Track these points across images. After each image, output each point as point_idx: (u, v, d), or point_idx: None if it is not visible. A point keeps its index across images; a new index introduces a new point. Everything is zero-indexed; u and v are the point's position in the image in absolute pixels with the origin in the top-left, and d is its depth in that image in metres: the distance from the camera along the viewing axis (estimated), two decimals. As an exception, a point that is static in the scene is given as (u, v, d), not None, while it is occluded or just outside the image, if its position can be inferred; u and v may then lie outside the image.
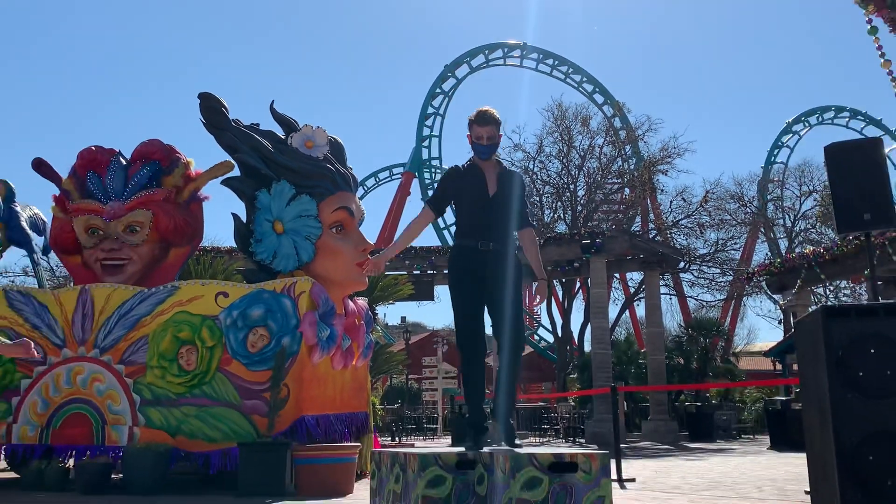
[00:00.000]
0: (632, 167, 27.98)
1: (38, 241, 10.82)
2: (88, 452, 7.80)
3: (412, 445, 14.00)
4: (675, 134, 36.23)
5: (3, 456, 8.17)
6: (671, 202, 26.69)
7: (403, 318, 45.36)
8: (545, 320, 31.82)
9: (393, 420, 22.20)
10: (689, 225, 26.14)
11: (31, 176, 9.88)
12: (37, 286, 10.51)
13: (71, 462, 8.02)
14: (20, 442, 8.06)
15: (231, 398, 7.73)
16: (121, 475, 7.71)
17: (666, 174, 26.37)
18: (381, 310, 15.71)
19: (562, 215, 26.59)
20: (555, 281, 25.39)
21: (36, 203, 11.07)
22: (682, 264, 25.08)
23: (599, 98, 33.51)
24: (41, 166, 9.43)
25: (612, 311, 25.14)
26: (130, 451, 7.55)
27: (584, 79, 34.67)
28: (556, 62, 35.24)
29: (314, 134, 8.80)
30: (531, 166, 26.67)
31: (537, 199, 26.84)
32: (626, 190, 27.57)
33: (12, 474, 8.68)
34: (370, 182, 41.09)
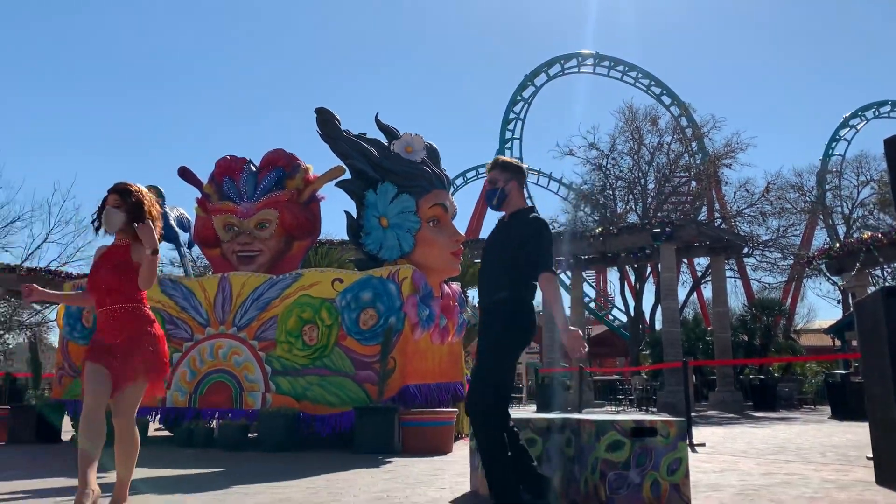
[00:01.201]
0: (698, 162, 27.12)
1: (184, 237, 11.32)
2: (229, 415, 8.13)
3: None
4: (737, 130, 34.98)
5: (159, 418, 8.57)
6: (735, 193, 25.79)
7: (490, 300, 45.21)
8: (619, 301, 31.27)
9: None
10: (752, 213, 25.21)
11: (176, 182, 10.34)
12: (184, 275, 11.02)
13: (214, 423, 8.36)
14: (173, 406, 8.48)
15: (347, 369, 7.93)
16: (256, 434, 7.99)
17: (730, 167, 25.47)
18: (470, 293, 15.76)
19: (633, 207, 26.06)
20: (627, 266, 24.95)
21: (181, 204, 11.61)
22: (745, 250, 24.26)
23: (667, 99, 32.53)
24: (185, 174, 9.85)
25: (681, 293, 24.51)
26: (264, 414, 7.85)
27: (652, 82, 33.73)
28: (626, 68, 34.42)
29: (413, 140, 8.90)
30: (605, 163, 26.22)
31: (611, 192, 26.41)
32: (693, 182, 26.72)
33: (166, 433, 9.12)
34: (458, 181, 41.15)
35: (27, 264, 23.08)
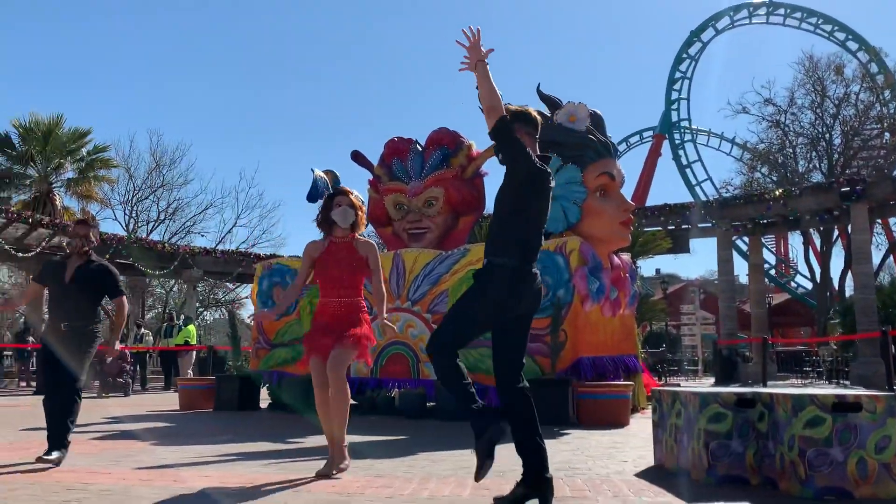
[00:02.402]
0: (892, 111, 24.46)
1: (358, 217, 11.92)
2: (407, 384, 8.51)
3: (678, 385, 13.59)
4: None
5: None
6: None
7: (658, 270, 43.73)
8: (802, 267, 29.05)
9: (655, 362, 21.66)
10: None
11: (350, 165, 10.86)
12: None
13: (395, 392, 8.78)
14: (356, 376, 8.98)
15: (518, 342, 8.00)
16: (433, 403, 8.31)
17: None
18: (640, 263, 15.31)
19: (817, 165, 24.10)
20: (811, 230, 23.12)
21: (355, 187, 12.18)
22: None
23: (853, 45, 29.49)
24: (358, 157, 10.33)
25: (875, 257, 22.36)
26: (439, 385, 8.13)
27: (836, 28, 30.64)
28: (805, 14, 31.50)
29: (576, 109, 8.74)
30: (783, 119, 24.36)
31: (790, 150, 24.52)
32: (887, 135, 24.17)
33: (350, 401, 9.70)
34: (622, 147, 39.91)
35: (220, 247, 25.37)
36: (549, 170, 3.52)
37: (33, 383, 15.77)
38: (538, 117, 3.64)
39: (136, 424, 7.17)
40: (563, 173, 8.48)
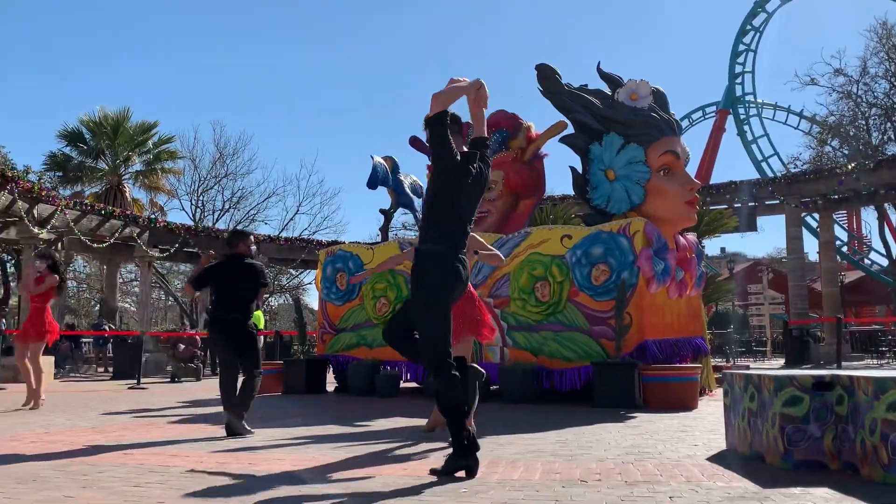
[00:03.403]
0: (976, 76, 23.16)
1: (417, 202, 11.99)
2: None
3: (747, 367, 13.27)
4: None
5: (409, 374, 9.25)
6: None
7: (723, 249, 42.65)
8: (877, 244, 27.88)
9: (722, 343, 21.20)
10: None
11: (408, 151, 10.93)
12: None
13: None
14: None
15: (581, 324, 7.96)
16: (496, 387, 8.33)
17: None
18: (706, 243, 14.95)
19: (892, 136, 22.98)
20: (886, 204, 22.15)
21: (413, 172, 12.27)
22: None
23: (931, 8, 28.00)
24: (416, 142, 10.37)
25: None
26: (503, 368, 8.16)
27: (912, -10, 29.13)
28: (878, -22, 30.06)
29: (637, 87, 8.55)
30: (855, 90, 23.33)
31: (863, 122, 23.48)
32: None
33: (413, 385, 9.81)
34: (684, 124, 38.93)
35: (283, 234, 25.86)
36: (471, 161, 3.70)
37: (110, 368, 16.46)
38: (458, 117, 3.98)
39: (210, 409, 7.41)
40: (625, 153, 8.34)
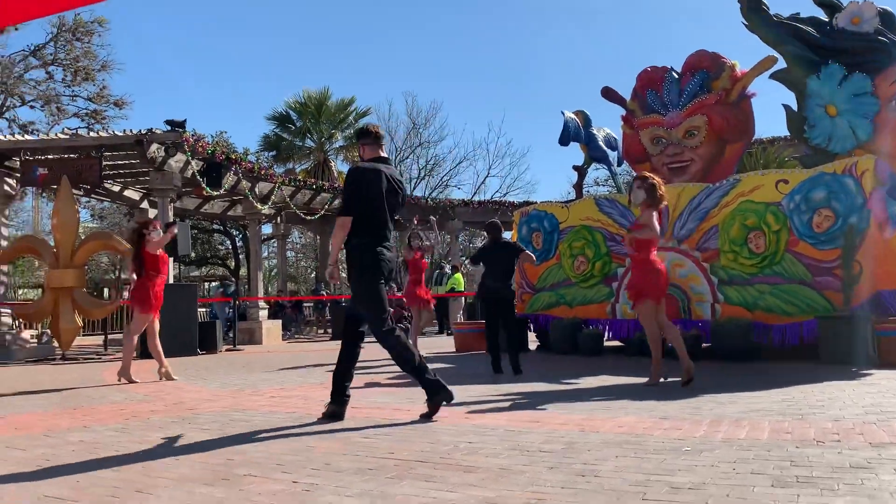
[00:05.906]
0: None
1: (612, 155, 11.67)
2: (680, 326, 8.23)
3: None
4: None
5: (611, 332, 9.10)
6: None
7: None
8: None
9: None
10: None
11: (600, 103, 10.63)
12: (616, 193, 11.37)
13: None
14: (622, 318, 8.92)
15: (802, 276, 7.36)
16: (708, 344, 7.97)
17: None
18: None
19: None
20: None
21: (606, 124, 11.93)
22: None
23: None
24: (609, 93, 10.05)
25: None
26: (716, 325, 7.78)
27: None
28: None
29: (861, 9, 7.66)
30: None
31: None
32: None
33: (616, 343, 9.66)
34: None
35: (476, 198, 26.36)
36: (378, 167, 4.39)
37: (329, 330, 17.88)
38: (375, 130, 4.62)
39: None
40: (848, 84, 7.54)
